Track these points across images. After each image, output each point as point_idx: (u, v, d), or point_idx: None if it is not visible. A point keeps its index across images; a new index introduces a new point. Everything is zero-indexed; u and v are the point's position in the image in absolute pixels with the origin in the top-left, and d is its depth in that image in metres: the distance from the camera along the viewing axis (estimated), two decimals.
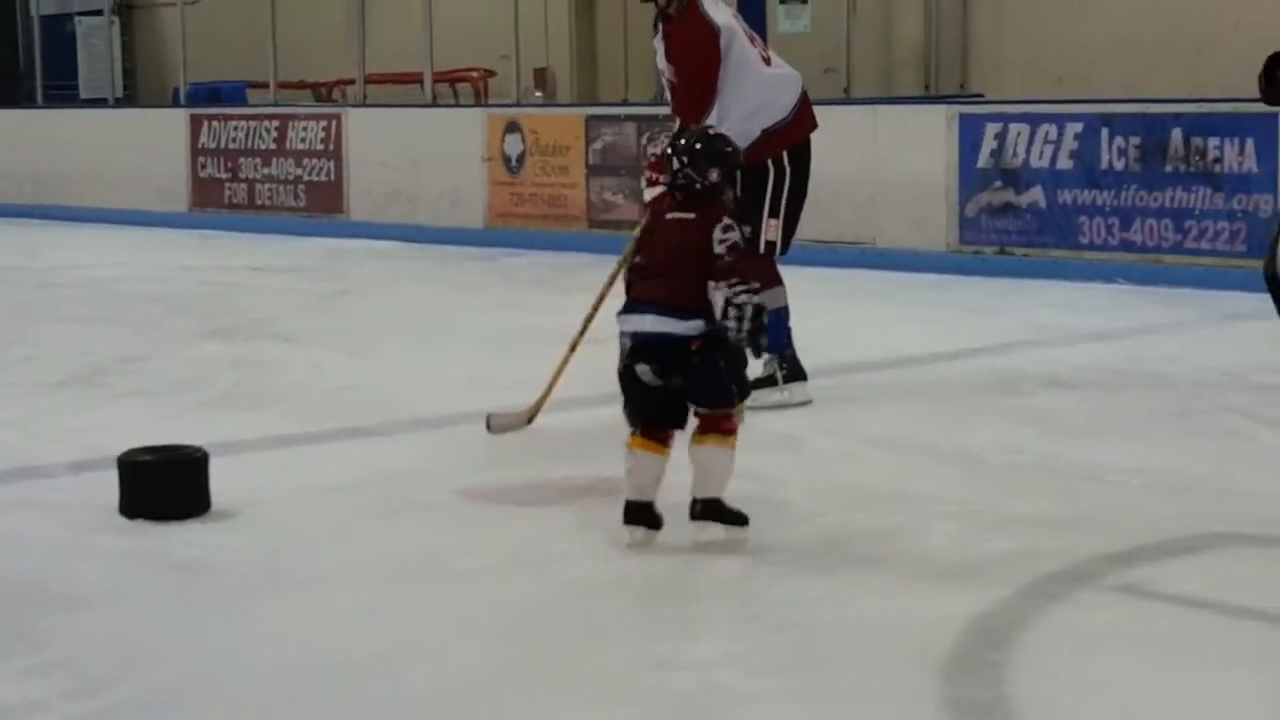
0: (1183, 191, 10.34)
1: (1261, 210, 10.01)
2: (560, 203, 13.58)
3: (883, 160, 11.78)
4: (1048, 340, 8.86)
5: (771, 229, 7.08)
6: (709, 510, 5.08)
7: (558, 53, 17.86)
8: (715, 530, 5.09)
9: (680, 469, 5.08)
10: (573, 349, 6.85)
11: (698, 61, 7.01)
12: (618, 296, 7.07)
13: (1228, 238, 10.19)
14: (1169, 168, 10.46)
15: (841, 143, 11.74)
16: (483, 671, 4.09)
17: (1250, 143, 10.07)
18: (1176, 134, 10.42)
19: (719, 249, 4.96)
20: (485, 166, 14.10)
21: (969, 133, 11.35)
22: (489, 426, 6.54)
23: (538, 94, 17.13)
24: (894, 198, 11.75)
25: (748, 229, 7.06)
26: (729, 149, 5.25)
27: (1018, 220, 11.15)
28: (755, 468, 6.04)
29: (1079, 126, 10.85)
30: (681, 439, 5.09)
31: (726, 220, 5.04)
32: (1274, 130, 9.99)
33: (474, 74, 17.54)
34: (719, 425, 5.04)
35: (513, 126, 13.96)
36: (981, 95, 14.56)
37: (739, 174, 5.26)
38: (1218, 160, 10.18)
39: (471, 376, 7.93)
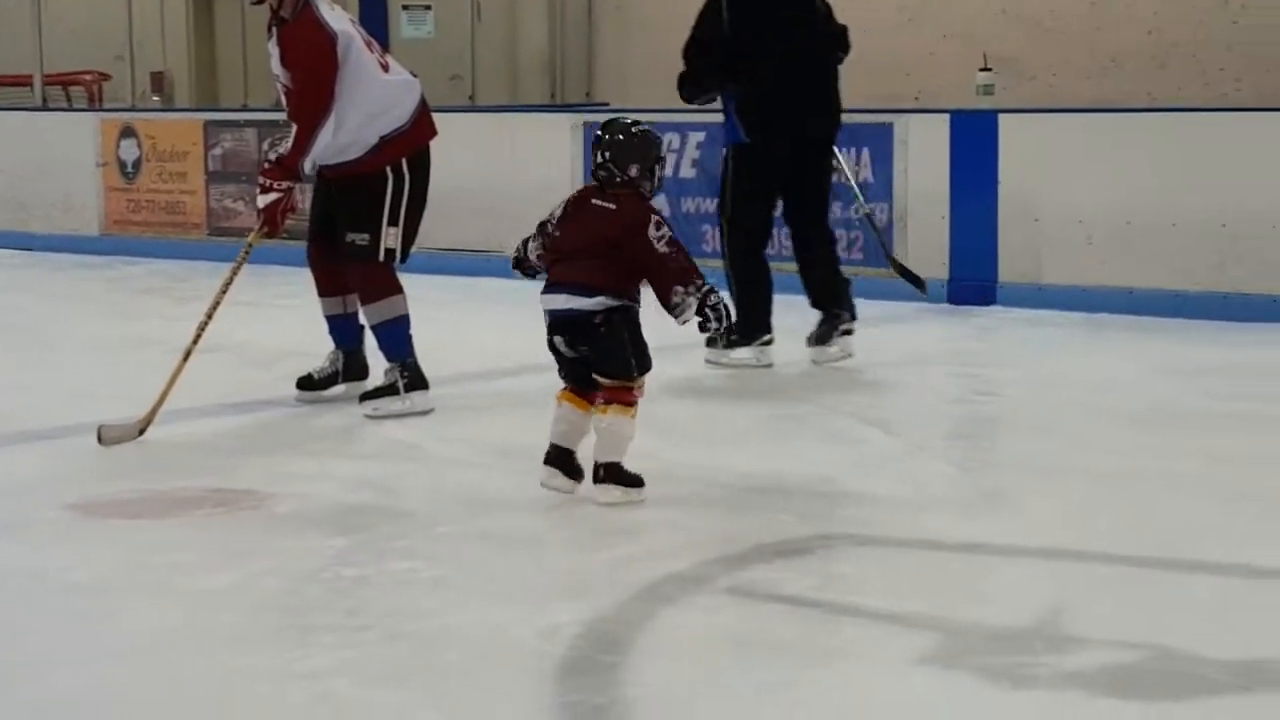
0: None
1: (877, 217, 10.32)
2: (179, 209, 13.37)
3: (508, 168, 11.86)
4: (672, 347, 8.98)
5: (391, 237, 7.11)
6: (609, 473, 5.62)
7: (175, 56, 17.57)
8: (614, 493, 5.60)
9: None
10: (186, 358, 6.79)
11: (313, 67, 6.99)
12: (231, 304, 7.07)
13: (845, 245, 10.46)
14: None
15: (467, 150, 11.82)
16: (85, 688, 4.03)
17: (866, 152, 10.39)
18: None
19: (662, 249, 5.54)
20: (99, 172, 13.81)
21: (592, 140, 11.46)
22: (100, 438, 6.44)
23: (155, 98, 16.82)
24: (520, 206, 11.77)
25: (366, 236, 7.09)
26: (651, 145, 5.70)
27: None
28: (376, 476, 6.08)
29: (701, 135, 11.06)
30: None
31: (655, 218, 5.60)
32: (889, 140, 10.32)
33: (87, 77, 17.16)
34: (620, 396, 5.59)
35: (128, 131, 13.69)
36: (607, 104, 14.74)
37: (658, 168, 5.71)
38: (835, 169, 10.45)
39: (82, 387, 7.79)
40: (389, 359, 7.18)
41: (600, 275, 5.57)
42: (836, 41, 8.61)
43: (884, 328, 9.22)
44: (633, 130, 5.72)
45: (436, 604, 4.63)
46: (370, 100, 7.02)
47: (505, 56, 15.64)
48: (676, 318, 5.58)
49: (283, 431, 6.92)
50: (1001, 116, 10.22)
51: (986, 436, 7.20)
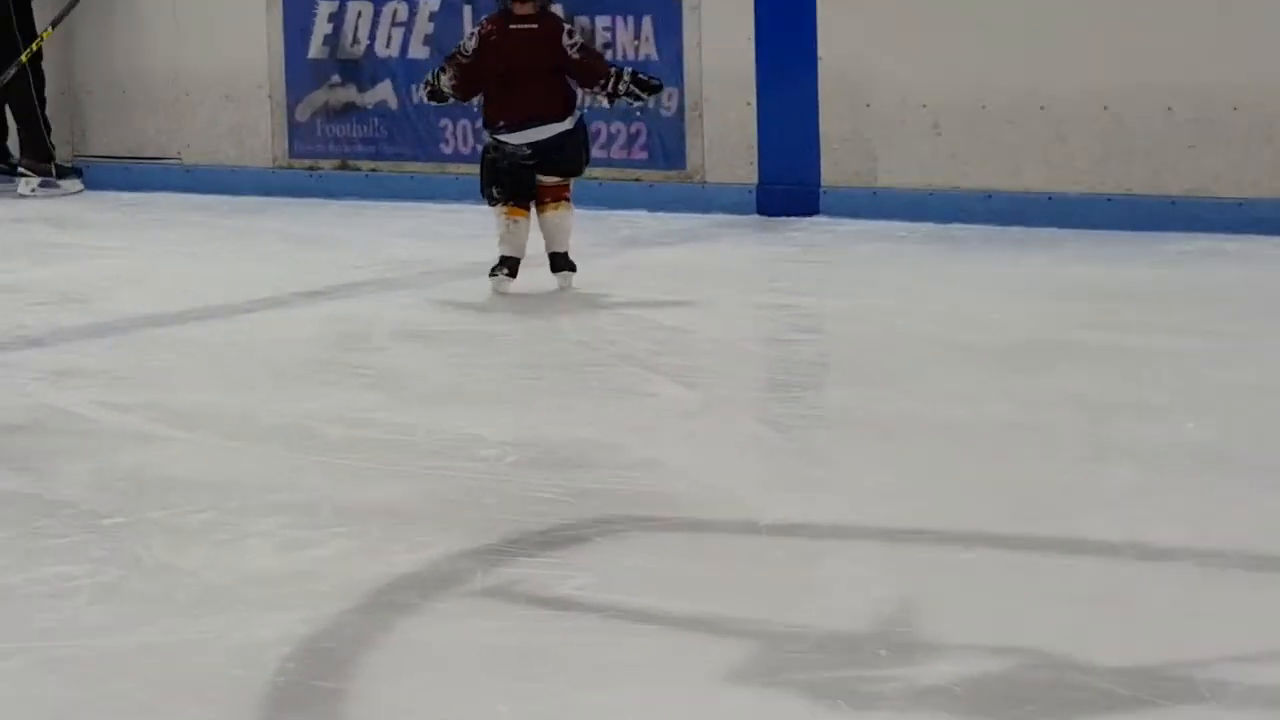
0: None
1: (665, 108, 10.32)
2: None
3: (188, 52, 11.69)
4: (404, 280, 8.97)
5: None
6: (565, 261, 8.27)
7: None
8: (570, 277, 8.23)
9: None
10: None
11: None
12: None
13: (624, 143, 10.47)
14: None
15: (137, 32, 11.66)
16: None
17: (648, 22, 10.37)
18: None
19: (574, 55, 8.23)
20: None
21: (296, 14, 11.37)
22: None
23: None
24: (203, 100, 11.68)
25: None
26: None
27: (363, 126, 11.23)
28: (26, 455, 6.01)
29: (435, 3, 10.99)
30: None
31: (566, 26, 8.43)
32: (676, 6, 10.31)
33: None
34: (562, 193, 8.29)
35: None
36: None
37: None
38: (609, 45, 10.43)
39: None
40: None
41: (563, 96, 8.22)
42: None
43: (676, 248, 9.26)
44: None
45: (104, 619, 4.56)
46: None
47: None
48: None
49: None
50: None
51: (809, 386, 7.24)
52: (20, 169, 12.04)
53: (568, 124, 8.21)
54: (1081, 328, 7.57)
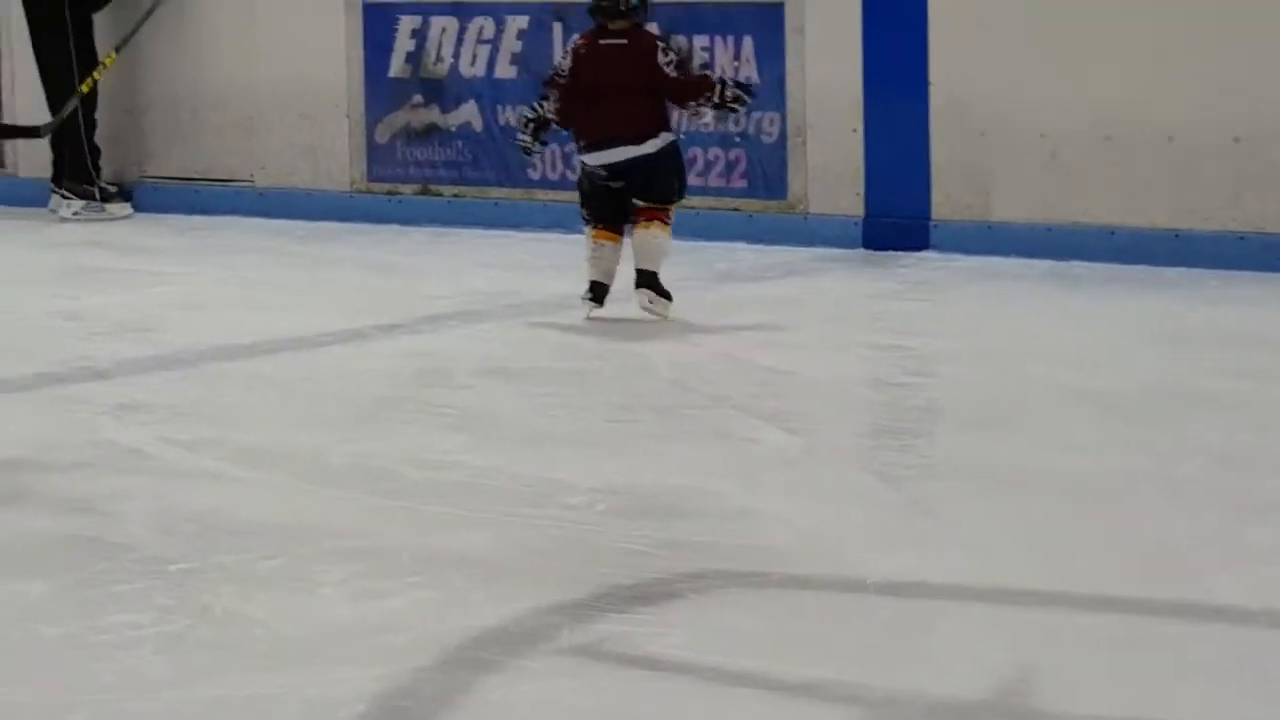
0: None
1: (766, 134, 10.31)
2: None
3: (261, 69, 11.73)
4: (488, 312, 8.98)
5: None
6: (648, 280, 8.39)
7: None
8: (647, 297, 8.36)
9: None
10: None
11: None
12: None
13: (722, 170, 10.46)
14: None
15: (206, 46, 11.71)
16: None
17: (749, 42, 10.36)
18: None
19: (672, 73, 8.46)
20: None
21: (376, 30, 11.40)
22: None
23: None
24: (278, 118, 11.71)
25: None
26: None
27: (446, 149, 11.24)
28: (87, 495, 6.01)
29: (524, 21, 11.00)
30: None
31: (660, 44, 8.61)
32: (778, 24, 10.29)
33: None
34: (660, 216, 8.44)
35: None
36: None
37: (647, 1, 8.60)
38: (707, 66, 10.42)
39: None
40: None
41: (649, 118, 8.43)
42: None
43: (779, 283, 9.24)
44: None
45: (170, 672, 4.56)
46: None
47: None
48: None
49: None
50: None
51: (920, 433, 7.22)
52: (61, 192, 12.19)
53: (648, 148, 8.39)
54: (1210, 374, 7.53)
